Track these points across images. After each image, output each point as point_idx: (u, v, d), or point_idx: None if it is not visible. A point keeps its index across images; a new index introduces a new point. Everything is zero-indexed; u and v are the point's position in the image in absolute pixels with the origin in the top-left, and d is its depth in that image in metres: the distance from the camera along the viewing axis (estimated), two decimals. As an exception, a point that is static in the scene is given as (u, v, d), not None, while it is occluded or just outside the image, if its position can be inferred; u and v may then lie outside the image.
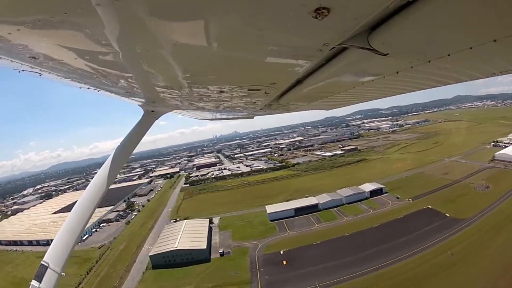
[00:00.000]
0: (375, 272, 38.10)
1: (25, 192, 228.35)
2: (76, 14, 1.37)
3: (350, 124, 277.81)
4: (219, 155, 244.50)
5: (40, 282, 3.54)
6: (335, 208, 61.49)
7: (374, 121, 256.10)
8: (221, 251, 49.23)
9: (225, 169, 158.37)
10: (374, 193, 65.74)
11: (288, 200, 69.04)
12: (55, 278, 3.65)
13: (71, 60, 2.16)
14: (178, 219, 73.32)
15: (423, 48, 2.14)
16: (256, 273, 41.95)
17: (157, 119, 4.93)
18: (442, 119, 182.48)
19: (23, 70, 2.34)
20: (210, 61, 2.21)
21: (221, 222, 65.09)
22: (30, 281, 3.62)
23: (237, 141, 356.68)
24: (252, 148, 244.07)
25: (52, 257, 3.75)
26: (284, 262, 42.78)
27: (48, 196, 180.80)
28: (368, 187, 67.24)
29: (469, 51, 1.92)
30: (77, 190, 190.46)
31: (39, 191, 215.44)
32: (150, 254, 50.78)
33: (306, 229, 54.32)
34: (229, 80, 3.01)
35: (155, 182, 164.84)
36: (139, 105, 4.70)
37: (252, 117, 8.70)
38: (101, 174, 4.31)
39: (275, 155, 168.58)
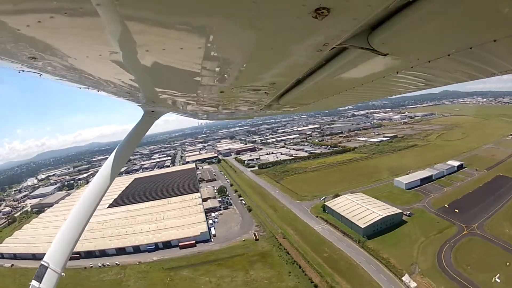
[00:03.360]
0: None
1: (28, 183, 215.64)
2: (76, 14, 1.39)
3: (356, 114, 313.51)
4: (248, 139, 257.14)
5: (40, 282, 3.67)
6: (442, 178, 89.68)
7: (380, 112, 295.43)
8: (408, 213, 68.12)
9: (270, 153, 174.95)
10: (459, 167, 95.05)
11: (397, 175, 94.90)
12: (55, 278, 3.78)
13: (71, 61, 2.26)
14: (325, 196, 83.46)
15: (423, 48, 2.25)
16: (449, 219, 63.39)
17: (157, 119, 5.14)
18: (448, 113, 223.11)
19: (23, 71, 2.43)
20: (210, 62, 2.29)
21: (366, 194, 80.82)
22: None
23: (238, 129, 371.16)
24: (271, 135, 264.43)
25: (52, 257, 3.86)
26: (456, 210, 67.12)
27: (69, 186, 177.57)
28: (453, 163, 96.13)
29: (469, 51, 2.02)
30: None
31: (52, 181, 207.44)
32: (363, 227, 61.37)
33: (441, 192, 79.23)
34: (229, 80, 3.04)
35: (203, 167, 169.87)
36: (139, 106, 4.83)
37: (252, 118, 9.05)
38: (102, 173, 4.45)
39: (316, 140, 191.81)
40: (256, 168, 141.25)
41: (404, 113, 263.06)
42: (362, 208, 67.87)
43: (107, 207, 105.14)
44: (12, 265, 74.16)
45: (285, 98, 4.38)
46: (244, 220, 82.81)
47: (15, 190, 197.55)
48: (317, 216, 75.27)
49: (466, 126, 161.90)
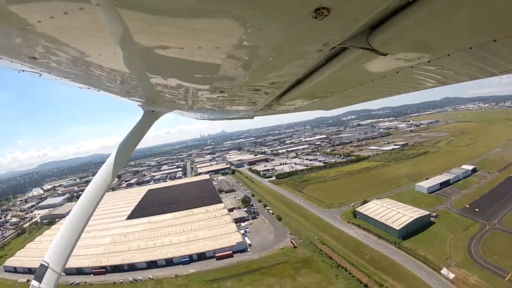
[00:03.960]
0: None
1: (34, 193, 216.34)
2: (76, 14, 1.41)
3: (361, 124, 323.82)
4: (256, 150, 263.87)
5: (40, 282, 3.72)
6: (458, 182, 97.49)
7: (385, 121, 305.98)
8: (434, 214, 75.27)
9: (284, 164, 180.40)
10: (473, 171, 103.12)
11: (415, 181, 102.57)
12: (55, 278, 3.82)
13: (71, 60, 2.29)
14: (354, 203, 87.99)
15: (423, 48, 2.28)
16: (471, 217, 70.87)
17: (157, 119, 5.15)
18: (452, 120, 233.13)
19: (23, 70, 2.47)
20: (210, 61, 2.32)
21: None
22: None
23: (243, 140, 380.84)
24: (279, 146, 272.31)
25: (52, 257, 3.91)
26: (477, 209, 74.34)
27: (78, 197, 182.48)
28: (467, 167, 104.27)
29: (469, 51, 2.05)
30: (113, 190, 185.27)
31: (59, 191, 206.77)
32: (398, 229, 66.85)
33: (460, 194, 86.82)
34: (229, 80, 3.07)
35: (217, 178, 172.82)
36: (139, 105, 4.87)
37: (252, 117, 9.12)
38: (102, 174, 4.49)
39: (328, 150, 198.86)
40: (274, 178, 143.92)
41: (409, 121, 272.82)
42: (393, 212, 74.84)
43: (126, 219, 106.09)
44: (28, 280, 67.94)
45: (285, 97, 4.50)
46: (276, 229, 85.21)
47: (20, 200, 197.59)
48: (348, 222, 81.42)
49: (472, 132, 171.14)
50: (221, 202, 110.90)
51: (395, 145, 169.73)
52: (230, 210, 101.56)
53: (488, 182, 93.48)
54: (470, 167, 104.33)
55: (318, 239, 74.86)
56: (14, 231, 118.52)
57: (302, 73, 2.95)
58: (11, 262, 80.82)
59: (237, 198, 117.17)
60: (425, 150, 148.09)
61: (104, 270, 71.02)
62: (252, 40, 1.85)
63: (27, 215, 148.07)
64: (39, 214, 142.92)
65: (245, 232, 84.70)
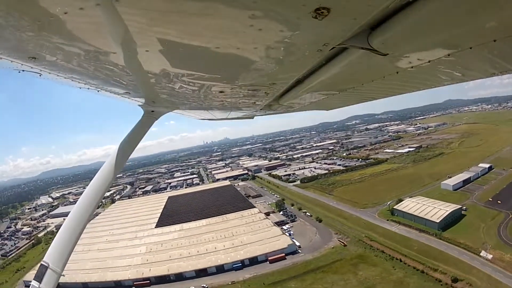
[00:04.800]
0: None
1: (42, 201, 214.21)
2: (76, 14, 1.44)
3: (369, 128, 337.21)
4: (269, 156, 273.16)
5: (40, 282, 3.76)
6: (478, 179, 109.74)
7: (391, 125, 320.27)
8: (464, 207, 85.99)
9: (303, 168, 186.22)
10: (489, 168, 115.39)
11: (437, 180, 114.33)
12: (55, 278, 3.88)
13: (71, 60, 2.35)
14: (390, 202, 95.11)
15: (423, 48, 2.30)
16: (495, 209, 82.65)
17: (157, 119, 5.22)
18: (459, 122, 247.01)
19: (23, 70, 2.50)
20: (209, 61, 2.37)
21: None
22: None
23: (251, 146, 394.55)
24: (290, 151, 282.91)
25: (52, 257, 3.97)
26: (499, 202, 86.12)
27: None
28: (484, 165, 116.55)
29: (469, 51, 2.08)
30: (130, 197, 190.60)
31: (71, 199, 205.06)
32: (438, 221, 76.17)
33: (482, 190, 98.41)
34: (229, 80, 3.13)
35: (238, 184, 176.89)
36: (139, 105, 4.94)
37: (252, 117, 9.27)
38: (101, 174, 4.55)
39: (344, 154, 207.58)
40: (298, 182, 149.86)
41: (416, 124, 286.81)
42: (430, 207, 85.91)
43: (155, 227, 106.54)
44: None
45: (285, 97, 4.55)
46: (320, 230, 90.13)
47: (29, 208, 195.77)
48: (387, 220, 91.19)
49: (481, 133, 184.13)
50: (254, 207, 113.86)
51: (409, 147, 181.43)
52: (267, 214, 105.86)
53: (505, 177, 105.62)
54: (487, 165, 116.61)
55: (365, 236, 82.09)
56: (28, 241, 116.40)
57: (302, 73, 3.03)
58: (32, 276, 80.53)
59: (267, 203, 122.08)
60: (440, 151, 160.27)
61: (148, 281, 68.72)
62: (252, 40, 1.90)
63: (40, 224, 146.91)
64: (52, 222, 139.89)
65: (289, 234, 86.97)
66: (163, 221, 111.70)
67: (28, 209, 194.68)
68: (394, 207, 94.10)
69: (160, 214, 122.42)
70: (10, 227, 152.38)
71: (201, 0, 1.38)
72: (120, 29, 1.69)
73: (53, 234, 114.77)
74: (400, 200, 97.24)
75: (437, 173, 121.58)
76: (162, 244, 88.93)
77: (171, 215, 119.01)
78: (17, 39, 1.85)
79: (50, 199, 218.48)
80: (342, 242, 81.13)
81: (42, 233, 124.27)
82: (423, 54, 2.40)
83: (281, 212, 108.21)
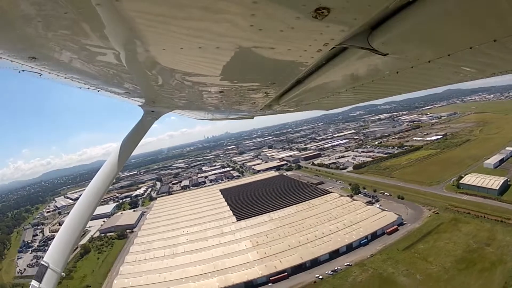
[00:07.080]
0: None
1: (62, 203, 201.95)
2: (76, 14, 1.49)
3: (381, 118, 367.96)
4: (294, 147, 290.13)
5: (40, 282, 3.88)
6: (509, 158, 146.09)
7: (403, 115, 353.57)
8: (508, 179, 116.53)
9: (342, 157, 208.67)
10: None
11: (477, 161, 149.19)
12: (55, 278, 4.00)
13: (71, 60, 2.41)
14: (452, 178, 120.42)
15: (423, 48, 2.37)
16: None
17: (157, 119, 5.43)
18: (469, 111, 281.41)
19: (23, 70, 2.56)
20: (209, 61, 2.43)
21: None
22: None
23: (262, 139, 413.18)
24: (313, 142, 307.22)
25: (52, 257, 4.10)
26: None
27: (131, 205, 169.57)
28: (510, 148, 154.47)
29: (469, 51, 2.12)
30: (169, 194, 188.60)
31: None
32: (497, 189, 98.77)
33: None
34: (229, 80, 3.20)
35: (287, 173, 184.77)
36: (139, 105, 5.12)
37: (252, 118, 9.51)
38: (102, 174, 4.70)
39: (375, 143, 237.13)
40: (351, 168, 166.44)
41: (427, 114, 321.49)
42: (486, 180, 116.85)
43: (237, 220, 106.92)
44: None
45: (285, 97, 4.70)
46: (407, 205, 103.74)
47: (48, 212, 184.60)
48: (456, 192, 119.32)
49: (494, 122, 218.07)
50: (329, 192, 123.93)
51: (436, 135, 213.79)
52: (350, 196, 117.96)
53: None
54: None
55: (449, 205, 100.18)
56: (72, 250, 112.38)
57: (302, 73, 3.08)
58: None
59: (337, 188, 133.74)
60: (466, 138, 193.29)
61: (285, 274, 69.84)
62: (252, 40, 1.96)
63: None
64: (89, 226, 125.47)
65: (382, 210, 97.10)
66: (240, 214, 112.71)
67: (47, 212, 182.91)
68: (460, 181, 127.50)
69: (229, 208, 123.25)
70: (37, 235, 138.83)
71: (201, 1, 1.42)
72: (120, 29, 1.77)
73: (101, 240, 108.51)
74: (461, 177, 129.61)
75: (474, 156, 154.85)
76: (266, 235, 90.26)
77: (242, 208, 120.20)
78: (17, 39, 1.92)
79: (69, 200, 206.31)
80: (435, 212, 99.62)
81: (86, 239, 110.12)
82: (423, 54, 2.52)
83: (360, 195, 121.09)
